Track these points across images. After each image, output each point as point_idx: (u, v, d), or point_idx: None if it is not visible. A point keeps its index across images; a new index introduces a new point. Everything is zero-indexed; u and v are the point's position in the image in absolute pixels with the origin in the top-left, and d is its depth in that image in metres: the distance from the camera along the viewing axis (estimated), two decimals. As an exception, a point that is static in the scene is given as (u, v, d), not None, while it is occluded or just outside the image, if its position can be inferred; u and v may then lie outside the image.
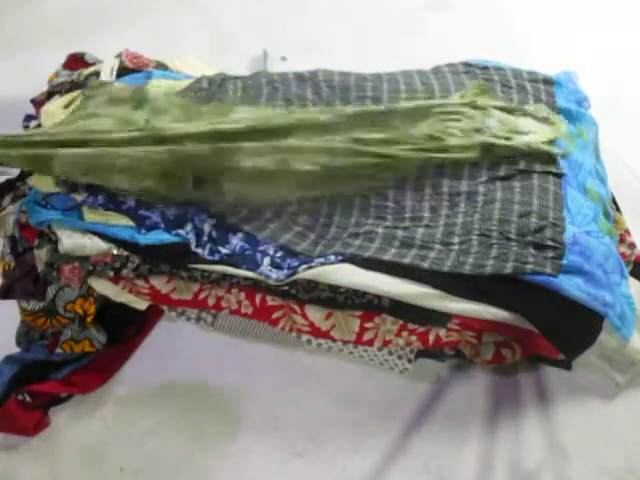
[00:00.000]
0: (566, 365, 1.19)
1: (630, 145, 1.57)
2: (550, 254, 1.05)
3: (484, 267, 1.05)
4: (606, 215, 1.24)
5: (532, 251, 1.06)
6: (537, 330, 1.05)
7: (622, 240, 1.26)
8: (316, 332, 1.12)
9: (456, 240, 1.11)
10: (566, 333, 1.05)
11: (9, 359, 1.21)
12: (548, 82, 1.36)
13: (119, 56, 1.42)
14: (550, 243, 1.06)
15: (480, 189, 1.16)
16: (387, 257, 1.08)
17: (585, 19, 1.93)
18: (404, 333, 1.10)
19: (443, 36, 1.88)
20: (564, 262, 1.04)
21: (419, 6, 1.98)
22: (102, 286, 1.15)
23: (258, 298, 1.12)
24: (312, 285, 1.10)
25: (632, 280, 1.19)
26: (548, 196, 1.14)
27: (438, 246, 1.11)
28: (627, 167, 1.53)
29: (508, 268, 1.04)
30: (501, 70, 1.38)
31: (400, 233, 1.14)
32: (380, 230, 1.15)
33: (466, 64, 1.40)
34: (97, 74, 1.38)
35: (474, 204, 1.15)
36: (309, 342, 1.15)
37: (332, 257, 1.09)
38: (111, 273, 1.13)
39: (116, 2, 2.01)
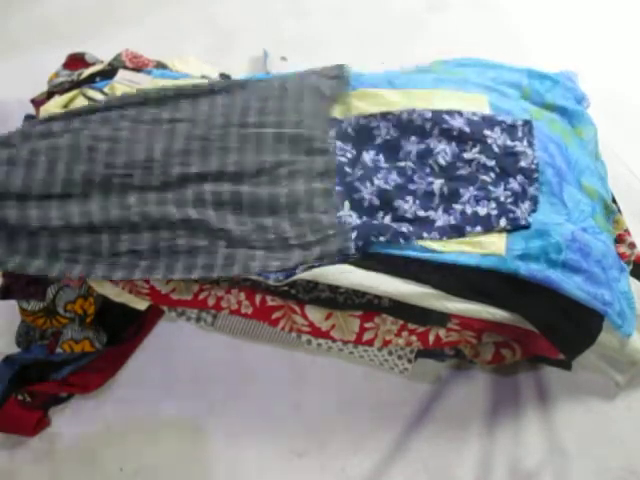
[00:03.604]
0: (566, 365, 1.20)
1: (630, 145, 1.56)
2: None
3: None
4: (608, 213, 1.24)
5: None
6: (537, 330, 1.05)
7: (622, 240, 1.25)
8: (316, 332, 1.12)
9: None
10: (566, 333, 1.04)
11: (9, 359, 1.21)
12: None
13: (119, 56, 1.42)
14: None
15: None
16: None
17: (585, 19, 1.92)
18: (404, 333, 1.10)
19: (443, 36, 1.88)
20: (563, 258, 1.04)
21: (419, 6, 1.97)
22: (102, 286, 1.15)
23: (258, 298, 1.12)
24: (312, 285, 1.10)
25: (632, 280, 1.19)
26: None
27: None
28: (627, 167, 1.53)
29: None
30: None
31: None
32: None
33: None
34: (97, 74, 1.38)
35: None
36: (309, 342, 1.15)
37: (332, 257, 1.09)
38: (111, 273, 1.13)
39: (117, 2, 2.01)
